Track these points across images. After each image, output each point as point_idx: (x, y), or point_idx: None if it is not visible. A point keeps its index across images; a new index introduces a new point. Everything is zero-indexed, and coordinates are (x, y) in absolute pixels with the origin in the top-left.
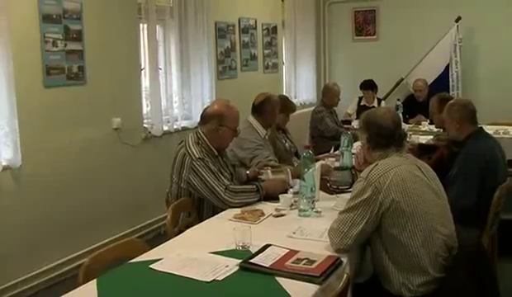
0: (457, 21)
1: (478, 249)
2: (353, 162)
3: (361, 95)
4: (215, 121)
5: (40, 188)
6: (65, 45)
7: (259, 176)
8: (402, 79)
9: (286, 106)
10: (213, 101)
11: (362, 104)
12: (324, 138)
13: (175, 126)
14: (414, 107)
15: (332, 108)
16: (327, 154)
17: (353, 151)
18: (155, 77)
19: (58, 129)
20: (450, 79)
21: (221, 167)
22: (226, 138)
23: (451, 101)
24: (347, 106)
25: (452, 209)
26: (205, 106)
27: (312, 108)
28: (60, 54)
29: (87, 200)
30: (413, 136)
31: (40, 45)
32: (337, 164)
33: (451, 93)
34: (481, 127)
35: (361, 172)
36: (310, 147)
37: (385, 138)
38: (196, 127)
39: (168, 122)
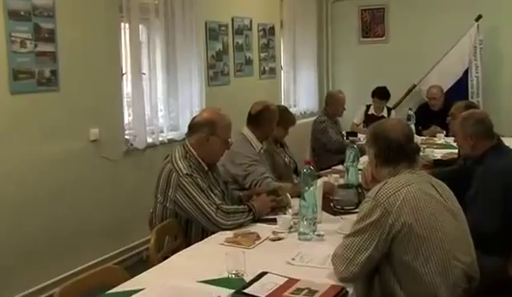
0: (477, 19)
1: (503, 279)
2: (360, 180)
3: (368, 103)
4: (205, 130)
5: (3, 207)
6: (35, 46)
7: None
8: (415, 86)
9: (285, 118)
10: (202, 110)
11: (369, 113)
12: (327, 152)
13: (160, 138)
14: (428, 117)
15: (336, 118)
16: (330, 170)
17: (360, 167)
18: (138, 83)
19: (26, 141)
20: (469, 86)
21: (212, 184)
22: (217, 150)
23: (464, 114)
24: (352, 115)
25: (472, 233)
26: (194, 116)
27: (313, 118)
28: (29, 57)
29: (58, 221)
30: (427, 150)
31: (5, 46)
32: (341, 181)
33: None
34: (499, 139)
35: (368, 190)
36: (311, 162)
37: (395, 152)
38: (184, 139)
39: (153, 133)
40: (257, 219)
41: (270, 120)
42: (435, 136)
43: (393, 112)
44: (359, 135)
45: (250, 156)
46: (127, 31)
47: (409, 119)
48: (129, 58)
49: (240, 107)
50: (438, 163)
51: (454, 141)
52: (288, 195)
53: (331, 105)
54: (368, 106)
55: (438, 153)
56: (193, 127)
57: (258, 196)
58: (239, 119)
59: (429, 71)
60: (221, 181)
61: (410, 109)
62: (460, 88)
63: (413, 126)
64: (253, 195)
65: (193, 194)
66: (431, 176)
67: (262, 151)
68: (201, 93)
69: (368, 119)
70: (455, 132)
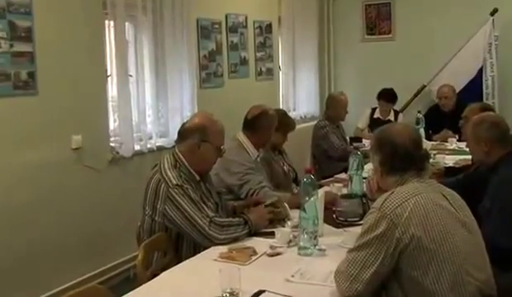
0: (492, 14)
1: None
2: (365, 189)
3: (374, 106)
4: (196, 136)
5: None
6: (11, 46)
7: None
8: (424, 87)
9: (284, 122)
10: (193, 115)
11: (375, 117)
12: (329, 159)
13: (149, 145)
14: (439, 120)
15: (338, 122)
16: (332, 179)
17: (365, 175)
18: (124, 86)
19: (1, 149)
20: (484, 86)
21: (204, 195)
22: (209, 158)
23: (476, 117)
24: (356, 119)
25: (487, 248)
26: (184, 121)
27: (314, 122)
28: (4, 57)
29: (35, 236)
30: (438, 156)
31: None
32: (345, 191)
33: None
34: None
35: (374, 201)
36: (311, 170)
37: (402, 160)
38: (174, 146)
39: (141, 140)
40: (253, 233)
41: (268, 126)
42: (447, 141)
43: (401, 116)
44: (364, 141)
45: (246, 164)
46: (112, 30)
47: (418, 122)
48: (114, 58)
49: (235, 111)
50: (449, 171)
51: (466, 146)
52: (287, 206)
53: (332, 108)
54: (374, 110)
55: (450, 160)
56: (183, 133)
57: (255, 208)
58: (234, 124)
59: (440, 70)
60: (214, 191)
61: (419, 112)
62: (473, 89)
63: (422, 130)
64: (248, 205)
65: (184, 206)
66: (441, 185)
67: (259, 159)
68: (192, 96)
69: (374, 123)
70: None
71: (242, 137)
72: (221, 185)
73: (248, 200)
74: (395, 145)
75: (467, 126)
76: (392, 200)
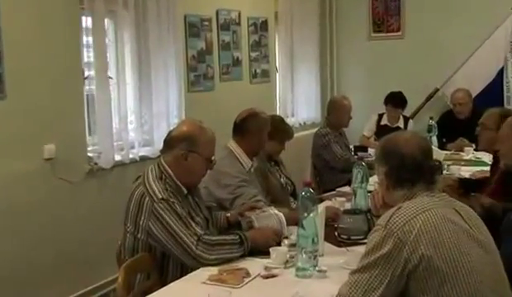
0: None
1: None
2: (370, 204)
3: (381, 111)
4: (184, 145)
5: None
6: None
7: (243, 221)
8: (437, 90)
9: (281, 130)
10: (181, 122)
11: (382, 123)
12: (331, 170)
13: (131, 155)
14: (453, 128)
15: (341, 129)
16: (335, 193)
17: (370, 188)
18: (104, 89)
19: None
20: (504, 89)
21: (192, 210)
22: (198, 170)
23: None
24: (361, 126)
25: (507, 269)
26: (171, 128)
27: (315, 130)
28: None
29: (5, 256)
30: (452, 167)
31: None
32: (348, 206)
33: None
34: None
35: (379, 217)
36: (311, 183)
37: (410, 172)
38: (159, 157)
39: (122, 150)
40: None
41: (258, 129)
42: (462, 151)
43: (411, 122)
44: (370, 150)
45: (239, 176)
46: (90, 27)
47: (430, 130)
48: (92, 58)
49: (227, 118)
50: (465, 184)
51: (495, 150)
52: (284, 222)
53: (334, 114)
54: (381, 116)
55: (466, 171)
56: (170, 142)
57: (259, 228)
58: (226, 132)
59: (455, 72)
60: (204, 206)
61: (432, 118)
62: (493, 92)
63: (435, 139)
64: (242, 213)
65: (170, 222)
66: (455, 199)
67: (252, 169)
68: (179, 101)
69: (381, 130)
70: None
71: (233, 145)
72: (211, 199)
73: (243, 206)
74: (403, 155)
75: (486, 133)
76: (399, 216)
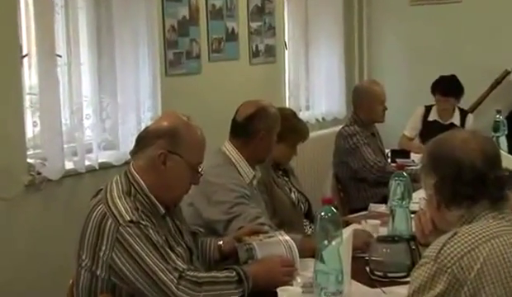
0: None
1: None
2: (414, 229)
3: (429, 103)
4: (162, 143)
5: None
6: None
7: (241, 249)
8: (508, 73)
9: (292, 129)
10: (161, 115)
11: (430, 119)
12: (360, 183)
13: (87, 162)
14: None
15: (374, 127)
16: (365, 214)
17: (414, 207)
18: (49, 72)
19: None
20: None
21: (172, 237)
22: (179, 179)
23: None
24: (402, 123)
25: None
26: (142, 125)
27: (338, 128)
28: None
29: None
30: None
31: None
32: (383, 232)
33: None
34: None
35: (426, 246)
36: (332, 200)
37: (468, 185)
38: (127, 163)
39: (75, 155)
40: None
41: (268, 131)
42: None
43: (470, 118)
44: (413, 156)
45: (236, 189)
46: None
47: (497, 128)
48: (33, 31)
49: (218, 112)
50: None
51: None
52: (296, 251)
53: (362, 105)
54: (429, 109)
55: None
56: (144, 140)
57: (264, 259)
58: (217, 131)
59: None
60: (188, 231)
61: (499, 112)
62: None
63: (504, 140)
64: (239, 238)
65: (141, 253)
66: None
67: (254, 182)
68: (153, 89)
69: (429, 129)
70: None
71: (230, 149)
72: (198, 221)
73: (242, 230)
74: (459, 163)
75: None
76: (455, 245)
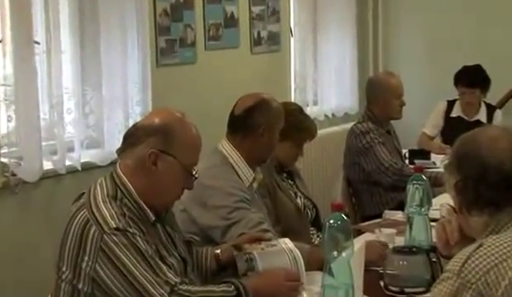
0: None
1: None
2: (435, 239)
3: (452, 98)
4: (153, 142)
5: None
6: None
7: (240, 259)
8: None
9: (297, 126)
10: (152, 111)
11: (453, 115)
12: (374, 187)
13: (68, 162)
14: None
15: (389, 125)
16: (379, 221)
17: (434, 214)
18: (27, 61)
19: None
20: None
21: (163, 246)
22: (172, 182)
23: None
24: (422, 120)
25: None
26: (130, 121)
27: (350, 125)
28: None
29: None
30: None
31: None
32: (399, 242)
33: None
34: None
35: (448, 259)
36: (343, 206)
37: (493, 189)
38: (113, 164)
39: (54, 154)
40: None
41: (269, 127)
42: None
43: (498, 114)
44: (434, 157)
45: (235, 193)
46: None
47: None
48: (8, 14)
49: (216, 106)
50: None
51: None
52: (301, 262)
53: (377, 99)
54: (452, 104)
55: None
56: (133, 137)
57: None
58: (214, 129)
59: None
60: (180, 240)
61: None
62: None
63: None
64: (239, 246)
65: (128, 264)
66: None
67: (255, 185)
68: (143, 80)
69: (452, 126)
70: None
71: (227, 148)
72: (192, 228)
73: (242, 237)
74: (485, 164)
75: None
76: (480, 258)
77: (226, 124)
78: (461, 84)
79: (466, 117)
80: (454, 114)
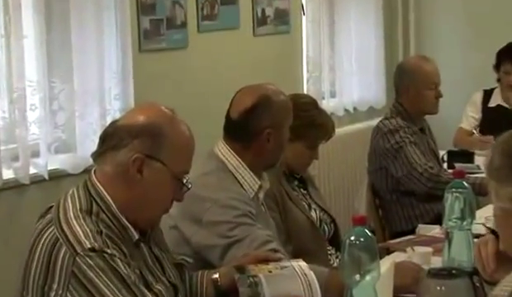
0: None
1: None
2: (476, 261)
3: (489, 87)
4: (138, 145)
5: None
6: None
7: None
8: None
9: (312, 122)
10: (135, 108)
11: (491, 105)
12: (405, 196)
13: (33, 170)
14: None
15: (423, 121)
16: (412, 237)
17: (478, 229)
18: None
19: None
20: None
21: (148, 269)
22: (160, 196)
23: None
24: (458, 113)
25: None
26: (108, 119)
27: (375, 122)
28: None
29: None
30: None
31: None
32: (436, 263)
33: None
34: None
35: (493, 284)
36: (367, 220)
37: None
38: (86, 171)
39: (15, 160)
40: None
41: (275, 128)
42: None
43: None
44: (477, 160)
45: (237, 205)
46: None
47: None
48: None
49: (212, 99)
50: None
51: None
52: (317, 287)
53: (407, 90)
54: (489, 93)
55: None
56: (110, 139)
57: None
58: (209, 128)
59: None
60: (169, 262)
61: None
62: None
63: None
64: (243, 268)
65: (105, 292)
66: None
67: (261, 195)
68: (123, 69)
69: (491, 117)
70: None
71: (225, 152)
72: (184, 249)
73: (246, 257)
74: None
75: None
76: None
77: (224, 123)
78: (507, 61)
79: (507, 105)
80: (493, 103)
